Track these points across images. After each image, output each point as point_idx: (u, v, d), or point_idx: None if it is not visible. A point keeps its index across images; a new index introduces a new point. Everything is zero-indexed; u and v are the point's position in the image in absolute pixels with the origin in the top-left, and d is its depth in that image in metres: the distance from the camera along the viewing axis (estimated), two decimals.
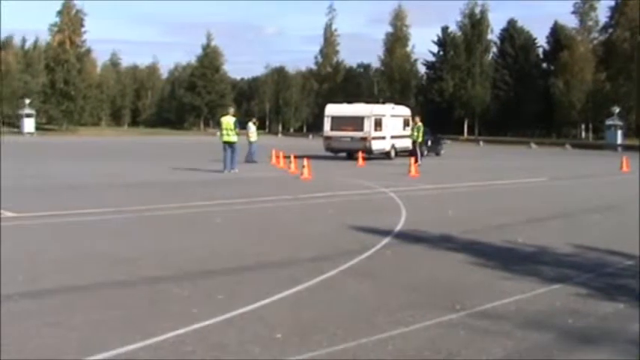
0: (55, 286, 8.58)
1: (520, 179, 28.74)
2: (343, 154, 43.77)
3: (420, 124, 38.45)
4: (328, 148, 43.93)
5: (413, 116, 42.82)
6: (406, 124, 45.89)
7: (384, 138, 43.41)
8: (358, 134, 42.16)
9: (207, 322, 7.04)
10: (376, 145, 42.52)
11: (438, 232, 13.44)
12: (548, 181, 28.68)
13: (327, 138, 44.05)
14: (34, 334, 6.62)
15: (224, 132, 29.65)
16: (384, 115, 44.31)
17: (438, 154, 49.17)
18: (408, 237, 12.89)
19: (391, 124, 44.41)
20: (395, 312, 7.61)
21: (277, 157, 36.02)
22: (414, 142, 37.99)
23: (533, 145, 77.54)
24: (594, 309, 7.92)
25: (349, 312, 7.61)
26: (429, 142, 45.41)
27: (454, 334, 6.85)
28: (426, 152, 41.60)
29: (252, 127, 38.35)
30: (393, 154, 43.84)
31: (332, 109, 45.31)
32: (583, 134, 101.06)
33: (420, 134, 37.83)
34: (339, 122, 43.25)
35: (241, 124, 32.94)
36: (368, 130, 42.15)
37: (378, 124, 42.93)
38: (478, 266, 10.26)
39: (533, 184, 26.97)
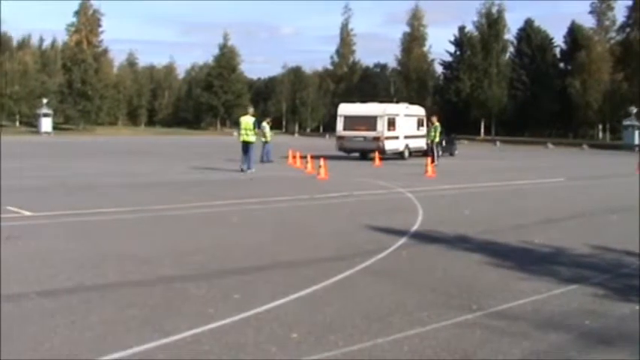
0: (71, 285, 8.61)
1: (537, 179, 28.67)
2: (356, 154, 43.29)
3: (437, 124, 38.38)
4: (341, 148, 43.07)
5: (429, 116, 42.60)
6: (420, 123, 45.65)
7: (397, 138, 42.78)
8: (371, 134, 41.44)
9: (223, 322, 7.06)
10: (389, 145, 41.85)
11: (454, 232, 13.43)
12: (565, 181, 28.59)
13: (340, 138, 43.24)
14: (50, 332, 6.65)
15: (243, 132, 29.80)
16: (397, 115, 43.66)
17: (452, 154, 48.37)
18: (424, 237, 12.89)
19: (405, 123, 43.82)
20: (411, 312, 7.62)
21: (294, 156, 36.03)
22: (431, 142, 37.95)
23: (550, 146, 77.30)
24: (611, 310, 7.90)
25: (365, 312, 7.61)
26: (443, 143, 44.45)
27: (470, 334, 6.85)
28: (440, 152, 40.85)
29: (266, 127, 38.41)
30: (406, 154, 43.31)
31: (345, 109, 44.41)
32: (600, 134, 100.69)
33: (437, 134, 37.78)
34: (351, 122, 42.44)
35: (258, 124, 32.98)
36: (381, 129, 41.45)
37: (391, 124, 42.26)
38: (494, 266, 10.25)
39: (550, 184, 26.88)
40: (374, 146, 40.83)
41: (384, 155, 40.71)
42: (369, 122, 41.66)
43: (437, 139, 37.83)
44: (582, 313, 7.72)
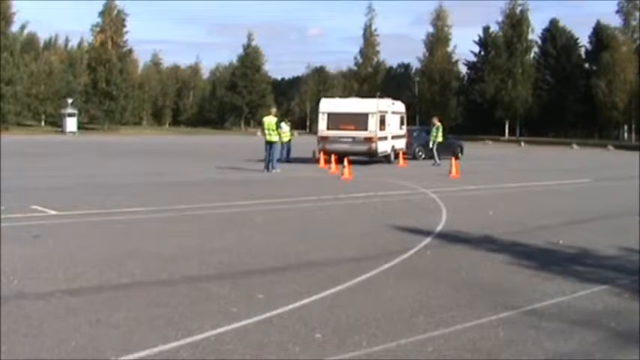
0: (96, 284, 8.64)
1: (561, 180, 28.53)
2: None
3: (438, 124, 38.15)
4: (323, 151, 35.85)
5: (430, 117, 41.35)
6: (402, 122, 41.13)
7: (386, 138, 37.35)
8: (362, 134, 35.75)
9: (247, 321, 7.06)
10: (381, 147, 36.51)
11: (478, 233, 13.38)
12: (591, 182, 28.43)
13: (323, 139, 36.58)
14: (74, 331, 6.68)
15: (266, 132, 29.90)
16: (386, 112, 37.91)
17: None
18: (448, 237, 12.85)
19: (391, 122, 38.54)
20: (435, 312, 7.60)
21: (318, 157, 35.87)
22: (432, 143, 37.71)
23: (575, 146, 76.96)
24: (637, 312, 7.82)
25: (389, 312, 7.59)
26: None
27: (494, 335, 6.82)
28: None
29: (284, 126, 37.87)
30: (392, 156, 38.20)
31: (328, 105, 38.07)
32: (626, 135, 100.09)
33: (439, 134, 37.60)
34: (337, 120, 36.44)
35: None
36: (373, 129, 35.79)
37: (382, 123, 36.68)
38: (519, 267, 10.20)
39: (575, 185, 26.75)
40: (364, 148, 35.84)
41: (374, 159, 37.02)
42: (359, 120, 35.95)
43: (440, 139, 37.61)
44: (608, 315, 7.66)
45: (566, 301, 8.25)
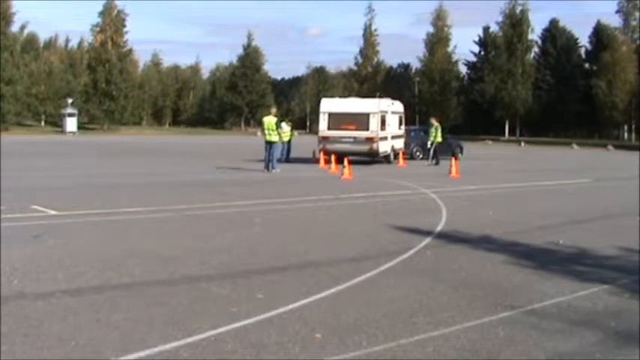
0: (96, 284, 8.63)
1: (562, 180, 28.53)
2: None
3: (437, 124, 38.14)
4: (324, 151, 35.42)
5: (427, 117, 41.21)
6: (400, 122, 40.60)
7: (386, 138, 36.92)
8: (363, 134, 35.30)
9: (247, 321, 7.05)
10: (382, 147, 36.08)
11: (478, 233, 13.37)
12: (591, 182, 28.42)
13: (324, 139, 36.10)
14: (75, 331, 6.67)
15: (266, 132, 29.86)
16: (386, 112, 37.41)
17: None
18: (448, 237, 12.84)
19: (391, 122, 38.02)
20: (435, 312, 7.59)
21: (318, 157, 35.80)
22: (431, 144, 37.67)
23: (575, 146, 76.95)
24: (637, 312, 7.82)
25: (389, 312, 7.59)
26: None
27: (494, 335, 6.82)
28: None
29: (285, 127, 37.90)
30: (392, 156, 37.88)
31: (329, 105, 37.55)
32: (626, 135, 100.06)
33: (438, 134, 37.58)
34: (338, 120, 35.94)
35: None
36: (375, 129, 35.31)
37: (382, 123, 36.23)
38: (519, 267, 10.20)
39: (575, 185, 26.74)
40: (366, 148, 35.42)
41: (375, 159, 36.64)
42: (361, 120, 35.47)
43: (439, 139, 37.62)
44: (608, 315, 7.66)
45: (566, 301, 8.25)
